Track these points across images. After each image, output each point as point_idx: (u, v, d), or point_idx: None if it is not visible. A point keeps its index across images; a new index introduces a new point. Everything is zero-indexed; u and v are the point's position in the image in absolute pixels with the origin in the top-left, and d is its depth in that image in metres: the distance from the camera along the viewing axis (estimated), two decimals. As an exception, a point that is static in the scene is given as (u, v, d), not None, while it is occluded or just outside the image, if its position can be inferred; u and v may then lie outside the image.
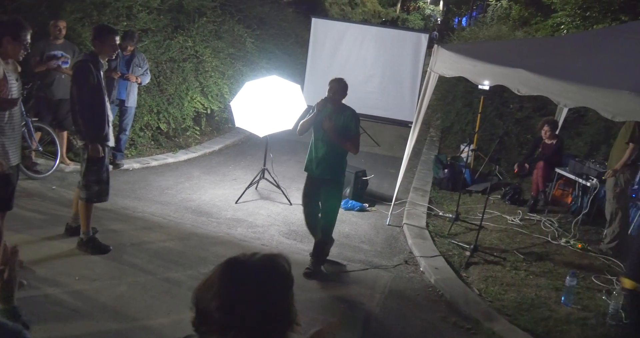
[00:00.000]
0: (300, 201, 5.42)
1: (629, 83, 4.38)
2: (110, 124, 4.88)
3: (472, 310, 4.75)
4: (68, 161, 7.05)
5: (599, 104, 4.50)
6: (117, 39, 4.81)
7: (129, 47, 7.13)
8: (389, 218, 6.74)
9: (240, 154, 9.00)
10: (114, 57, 5.57)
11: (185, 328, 1.61)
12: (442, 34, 24.70)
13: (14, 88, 4.04)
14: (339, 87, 5.00)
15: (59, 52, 6.67)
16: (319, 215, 5.28)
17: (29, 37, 4.00)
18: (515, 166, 7.82)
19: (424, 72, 8.46)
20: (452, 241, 6.22)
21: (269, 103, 6.44)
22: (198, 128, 9.24)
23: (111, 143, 4.92)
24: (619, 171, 6.06)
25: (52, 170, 6.66)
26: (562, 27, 12.10)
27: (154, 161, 7.88)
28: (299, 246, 5.70)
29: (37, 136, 6.64)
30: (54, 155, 6.81)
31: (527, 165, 7.77)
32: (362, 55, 10.33)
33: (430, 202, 7.53)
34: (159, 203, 6.41)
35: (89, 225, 4.92)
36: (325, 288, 4.99)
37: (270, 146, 7.21)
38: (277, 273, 1.54)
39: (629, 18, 10.73)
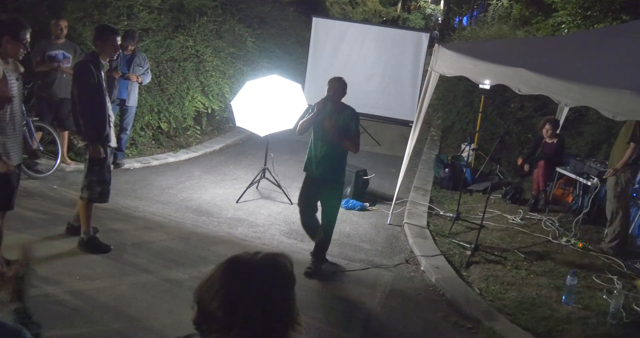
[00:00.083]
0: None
1: (629, 82, 4.38)
2: (112, 125, 4.88)
3: (473, 309, 4.75)
4: (69, 161, 7.06)
5: (599, 104, 4.50)
6: (119, 40, 4.82)
7: (129, 47, 7.14)
8: (389, 218, 6.74)
9: (241, 154, 9.00)
10: (114, 58, 5.56)
11: (187, 328, 1.61)
12: (442, 34, 24.70)
13: (14, 88, 4.03)
14: (338, 86, 4.98)
15: (59, 53, 6.67)
16: (316, 214, 5.28)
17: (28, 36, 4.00)
18: (519, 160, 7.84)
19: (425, 71, 8.46)
20: (453, 240, 6.22)
21: (269, 103, 6.44)
22: (199, 128, 9.25)
23: (112, 143, 4.91)
24: (619, 170, 6.06)
25: (52, 170, 6.66)
26: (563, 26, 12.08)
27: (155, 161, 7.89)
28: (300, 246, 5.70)
29: (38, 135, 6.65)
30: (54, 155, 6.81)
31: (527, 165, 7.78)
32: (363, 54, 10.33)
33: (431, 201, 7.53)
34: (160, 203, 6.42)
35: (90, 224, 4.93)
36: (326, 287, 4.99)
37: (271, 145, 7.21)
38: (279, 272, 1.54)
39: (630, 17, 10.71)
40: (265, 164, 7.16)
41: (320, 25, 10.56)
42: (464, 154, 9.02)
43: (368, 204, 7.18)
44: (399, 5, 37.38)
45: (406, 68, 10.22)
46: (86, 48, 7.17)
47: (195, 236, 5.63)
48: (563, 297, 5.02)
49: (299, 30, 13.92)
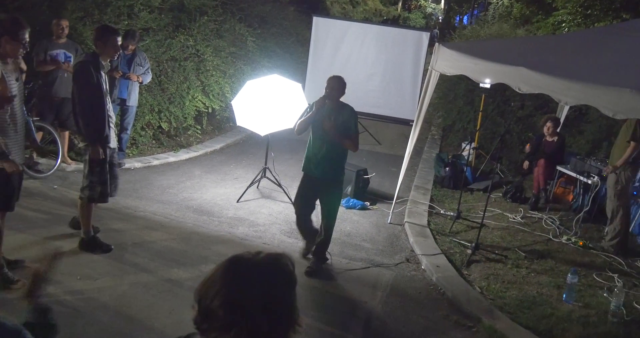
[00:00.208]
0: (298, 200, 5.40)
1: (630, 81, 4.38)
2: (112, 125, 4.86)
3: (474, 308, 4.76)
4: (69, 161, 7.06)
5: (600, 102, 4.50)
6: (119, 40, 4.81)
7: (130, 46, 7.15)
8: (390, 217, 6.74)
9: (241, 153, 9.00)
10: (115, 57, 5.56)
11: (187, 328, 1.61)
12: (443, 33, 24.68)
13: (14, 88, 4.01)
14: (336, 83, 4.95)
15: (61, 52, 6.68)
16: (312, 214, 5.28)
17: (27, 36, 3.98)
18: (525, 163, 7.86)
19: (425, 70, 8.46)
20: (454, 239, 6.23)
21: (270, 102, 6.44)
22: (199, 127, 9.25)
23: (112, 144, 4.89)
24: (619, 168, 6.05)
25: (53, 170, 6.67)
26: (564, 25, 12.07)
27: (156, 160, 7.89)
28: (301, 245, 5.68)
29: (38, 135, 6.65)
30: (55, 155, 6.81)
31: (527, 162, 7.79)
32: (364, 54, 10.33)
33: (431, 200, 7.53)
34: (161, 202, 6.42)
35: (90, 224, 4.93)
36: (327, 286, 5.00)
37: (272, 144, 7.21)
38: (281, 272, 1.53)
39: (630, 16, 10.71)
40: (265, 164, 7.16)
41: (320, 25, 10.56)
42: (465, 153, 9.02)
43: (369, 203, 7.18)
44: (400, 4, 37.38)
45: (407, 67, 10.23)
46: (87, 48, 7.18)
47: (196, 236, 5.64)
48: (564, 295, 5.03)
49: (299, 29, 13.92)
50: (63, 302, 4.11)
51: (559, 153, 7.61)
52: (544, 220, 7.07)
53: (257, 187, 7.23)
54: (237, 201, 6.72)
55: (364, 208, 7.03)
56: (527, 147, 7.91)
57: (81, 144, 4.94)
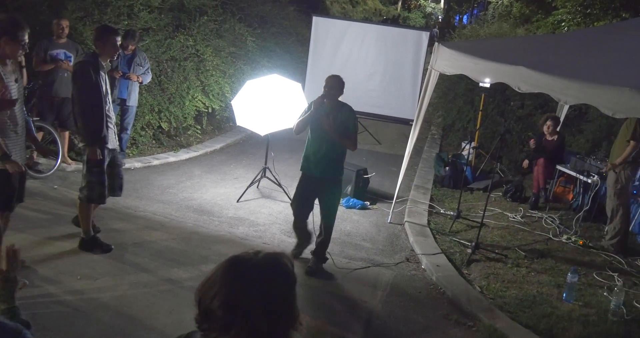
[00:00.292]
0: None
1: (629, 80, 4.38)
2: (111, 126, 4.84)
3: (474, 307, 4.76)
4: (69, 161, 7.06)
5: (599, 101, 4.50)
6: (119, 40, 4.80)
7: (130, 46, 7.15)
8: (390, 216, 6.74)
9: (241, 153, 9.00)
10: (115, 58, 5.56)
11: (188, 327, 1.62)
12: (443, 32, 24.68)
13: (13, 89, 4.00)
14: (335, 82, 4.94)
15: (61, 52, 6.68)
16: (310, 214, 5.28)
17: (27, 36, 3.95)
18: (525, 162, 7.87)
19: (425, 70, 8.46)
20: (454, 238, 6.23)
21: (270, 102, 6.44)
22: (199, 127, 9.25)
23: (111, 144, 4.85)
24: (619, 167, 6.05)
25: (53, 170, 6.67)
26: (563, 24, 12.07)
27: (156, 160, 7.90)
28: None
29: (39, 135, 6.65)
30: (55, 155, 6.81)
31: (526, 161, 7.79)
32: (363, 53, 10.33)
33: (431, 200, 7.53)
34: (161, 202, 6.42)
35: (89, 224, 4.93)
36: (327, 286, 5.00)
37: (272, 144, 7.21)
38: (281, 271, 1.54)
39: (630, 15, 10.71)
40: (265, 164, 7.17)
41: (320, 24, 10.56)
42: (465, 153, 9.02)
43: (369, 203, 7.19)
44: (399, 3, 37.38)
45: (406, 67, 10.22)
46: (87, 48, 7.18)
47: (196, 236, 5.64)
48: (564, 295, 5.03)
49: (299, 29, 13.92)
50: (63, 302, 4.12)
51: (559, 152, 7.61)
52: (544, 219, 7.07)
53: (257, 187, 7.23)
54: (237, 201, 6.72)
55: (364, 207, 7.04)
56: (532, 142, 7.83)
57: (81, 144, 4.94)
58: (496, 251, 5.95)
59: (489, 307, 4.77)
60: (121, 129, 7.31)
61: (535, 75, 4.85)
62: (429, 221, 6.72)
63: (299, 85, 6.80)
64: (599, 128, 8.34)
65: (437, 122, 12.06)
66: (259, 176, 7.14)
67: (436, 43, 6.10)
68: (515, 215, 7.14)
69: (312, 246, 5.35)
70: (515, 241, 6.31)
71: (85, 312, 4.04)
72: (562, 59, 5.39)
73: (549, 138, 7.64)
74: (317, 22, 10.57)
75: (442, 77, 7.22)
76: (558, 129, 7.69)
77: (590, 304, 4.97)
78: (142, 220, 5.87)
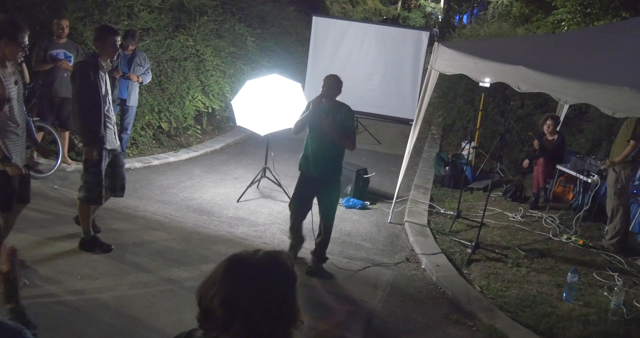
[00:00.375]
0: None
1: (629, 80, 4.38)
2: (111, 126, 4.83)
3: (474, 307, 4.76)
4: (70, 161, 7.07)
5: (599, 101, 4.50)
6: (119, 40, 4.80)
7: (130, 47, 7.15)
8: (390, 216, 6.75)
9: (241, 153, 9.01)
10: (115, 58, 5.56)
11: (188, 327, 1.62)
12: (443, 32, 24.69)
13: (13, 91, 3.99)
14: (333, 82, 4.94)
15: (61, 52, 6.68)
16: (309, 213, 5.27)
17: (26, 38, 3.92)
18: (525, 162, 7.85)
19: (425, 69, 8.46)
20: (454, 238, 6.23)
21: (270, 102, 6.44)
22: (199, 127, 9.26)
23: (109, 145, 4.82)
24: (618, 166, 6.04)
25: (53, 170, 6.67)
26: (563, 24, 12.08)
27: (156, 160, 7.90)
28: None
29: (39, 135, 6.65)
30: (55, 155, 6.81)
31: (526, 161, 7.78)
32: (363, 53, 10.33)
33: (431, 200, 7.53)
34: (161, 202, 6.43)
35: (89, 224, 4.93)
36: (327, 286, 5.00)
37: (271, 144, 7.22)
38: (280, 270, 1.54)
39: (630, 15, 10.72)
40: (265, 164, 7.17)
41: (320, 24, 10.56)
42: (465, 152, 9.02)
43: (368, 202, 7.19)
44: (399, 3, 37.38)
45: (406, 67, 10.23)
46: (87, 48, 7.18)
47: (196, 236, 5.64)
48: (564, 294, 5.03)
49: (299, 29, 13.92)
50: (63, 302, 4.12)
51: (559, 152, 7.61)
52: (544, 218, 7.07)
53: (257, 187, 7.24)
54: (237, 201, 6.72)
55: (364, 207, 7.04)
56: (536, 142, 7.75)
57: (80, 144, 4.94)
58: (496, 251, 5.95)
59: (489, 307, 4.78)
60: (121, 129, 7.31)
61: (535, 75, 4.86)
62: (429, 221, 6.72)
63: (299, 85, 6.80)
64: (599, 127, 8.34)
65: (437, 122, 12.06)
66: (259, 176, 7.14)
67: (436, 43, 6.10)
68: (515, 215, 7.14)
69: (312, 246, 5.34)
70: (515, 241, 6.31)
71: (85, 312, 4.04)
72: (562, 58, 5.39)
73: (549, 137, 7.64)
74: (317, 22, 10.57)
75: (442, 77, 7.22)
76: (558, 128, 7.69)
77: (590, 304, 4.97)
78: (142, 219, 5.87)
